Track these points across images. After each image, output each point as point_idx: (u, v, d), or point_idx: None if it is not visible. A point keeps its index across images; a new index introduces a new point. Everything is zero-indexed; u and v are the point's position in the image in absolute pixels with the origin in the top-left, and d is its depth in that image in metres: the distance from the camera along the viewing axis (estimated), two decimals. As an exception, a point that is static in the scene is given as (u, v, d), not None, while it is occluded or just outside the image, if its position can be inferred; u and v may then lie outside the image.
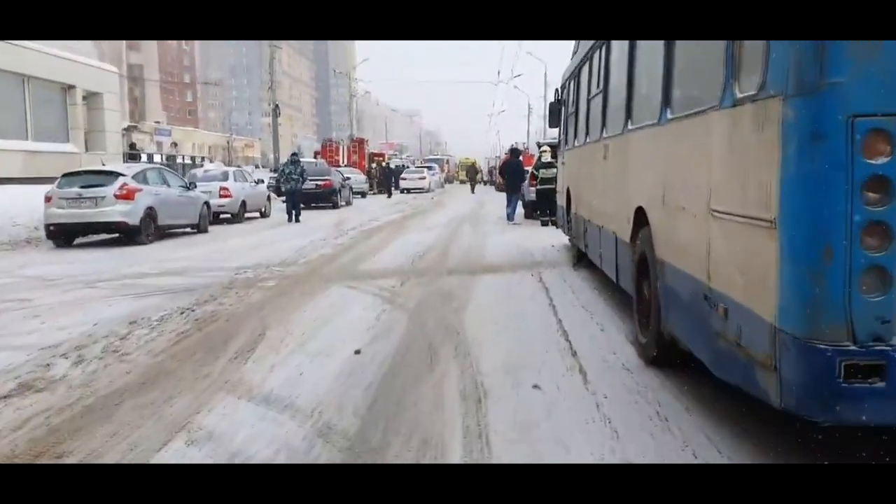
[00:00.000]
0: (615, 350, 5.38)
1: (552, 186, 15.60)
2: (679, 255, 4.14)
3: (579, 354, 5.24)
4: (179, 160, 31.17)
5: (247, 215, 19.01)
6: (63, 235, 12.81)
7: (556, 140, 19.74)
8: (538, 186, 16.28)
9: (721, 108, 3.38)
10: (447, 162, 71.47)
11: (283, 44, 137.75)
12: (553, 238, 12.62)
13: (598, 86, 7.42)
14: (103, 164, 13.24)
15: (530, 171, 18.28)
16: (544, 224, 16.16)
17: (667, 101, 4.47)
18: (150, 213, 13.11)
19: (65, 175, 12.90)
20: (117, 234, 13.09)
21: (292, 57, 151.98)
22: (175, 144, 36.35)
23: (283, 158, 48.94)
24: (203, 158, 37.81)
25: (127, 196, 12.66)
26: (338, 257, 10.78)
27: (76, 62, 19.62)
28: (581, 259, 9.61)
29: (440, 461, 3.35)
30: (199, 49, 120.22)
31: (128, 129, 70.30)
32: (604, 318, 6.46)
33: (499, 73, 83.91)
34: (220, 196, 17.36)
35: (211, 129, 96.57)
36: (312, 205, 24.03)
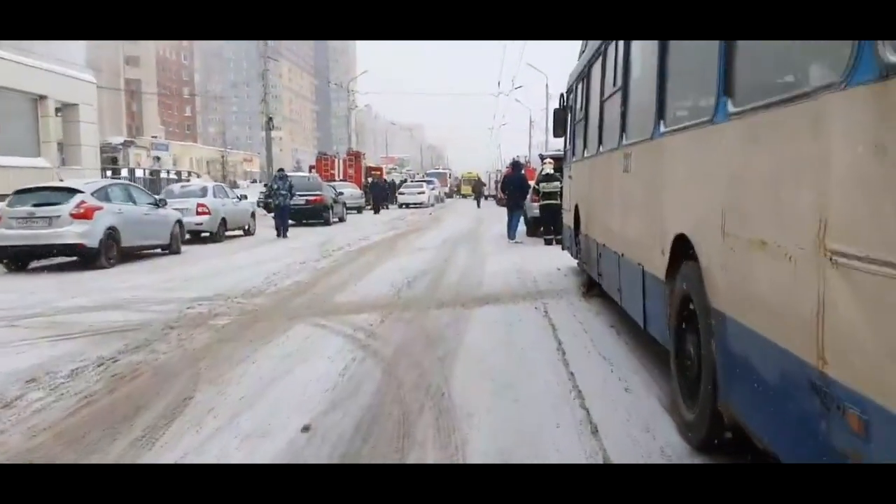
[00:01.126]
0: (648, 424, 4.04)
1: (556, 202, 14.34)
2: (755, 311, 2.82)
3: (601, 431, 3.92)
4: (164, 175, 29.90)
5: (229, 233, 17.70)
6: (14, 259, 11.51)
7: (560, 152, 18.52)
8: (541, 202, 14.96)
9: (850, 86, 2.06)
10: (448, 176, 70.24)
11: (284, 58, 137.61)
12: (558, 259, 11.29)
13: (614, 83, 6.13)
14: (60, 180, 11.95)
15: (532, 185, 16.99)
16: (548, 243, 14.85)
17: (728, 88, 3.15)
18: (112, 234, 11.81)
19: (17, 192, 11.63)
20: (75, 258, 11.78)
21: (293, 71, 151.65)
22: (158, 159, 34.86)
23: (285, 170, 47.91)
24: (189, 173, 36.51)
25: (84, 215, 11.37)
26: (313, 285, 9.45)
27: (48, 71, 18.41)
28: (592, 286, 8.29)
29: None
30: (199, 63, 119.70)
31: (124, 144, 69.32)
32: (627, 371, 5.13)
33: (499, 83, 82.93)
34: (197, 213, 16.05)
35: (211, 144, 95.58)
36: (303, 221, 22.83)
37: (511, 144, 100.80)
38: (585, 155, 8.12)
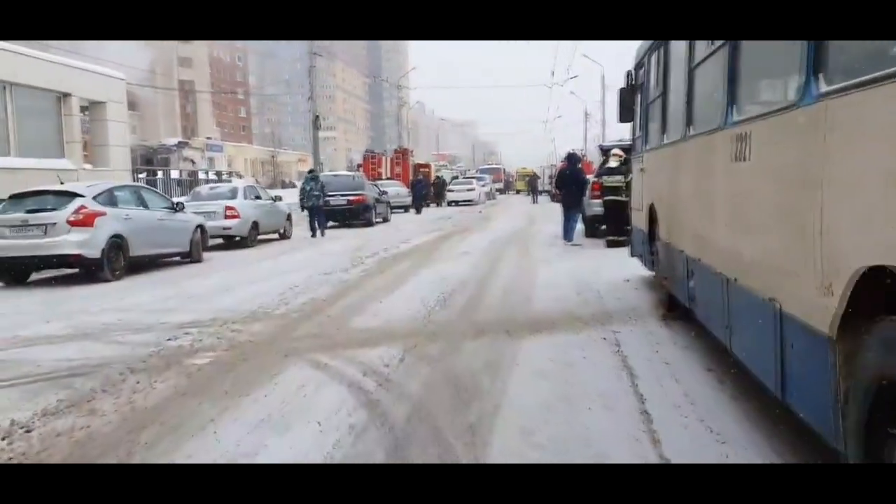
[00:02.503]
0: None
1: (621, 198, 12.52)
2: None
3: None
4: (203, 176, 28.96)
5: (262, 237, 16.43)
6: (7, 272, 10.36)
7: (624, 141, 16.61)
8: (604, 198, 13.13)
9: None
10: (503, 171, 68.33)
11: (337, 58, 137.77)
12: (625, 267, 9.50)
13: (712, 42, 4.39)
14: (61, 183, 10.75)
15: (592, 180, 15.16)
16: (611, 245, 13.02)
17: None
18: (118, 243, 10.55)
19: (11, 197, 10.47)
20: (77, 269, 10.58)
21: (346, 71, 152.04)
22: (193, 162, 34.02)
23: (328, 170, 46.90)
24: (230, 174, 35.61)
25: (84, 222, 10.13)
26: (331, 303, 7.92)
27: (72, 68, 17.43)
28: (674, 306, 6.53)
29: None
30: (254, 64, 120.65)
31: (178, 146, 70.02)
32: (750, 454, 3.41)
33: (552, 73, 79.87)
34: (226, 217, 14.79)
35: (266, 145, 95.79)
36: (346, 222, 21.50)
37: (565, 139, 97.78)
38: (665, 141, 6.35)
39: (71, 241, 9.98)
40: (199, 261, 12.61)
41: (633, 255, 9.10)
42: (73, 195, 10.34)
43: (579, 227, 14.82)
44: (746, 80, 3.81)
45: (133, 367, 5.35)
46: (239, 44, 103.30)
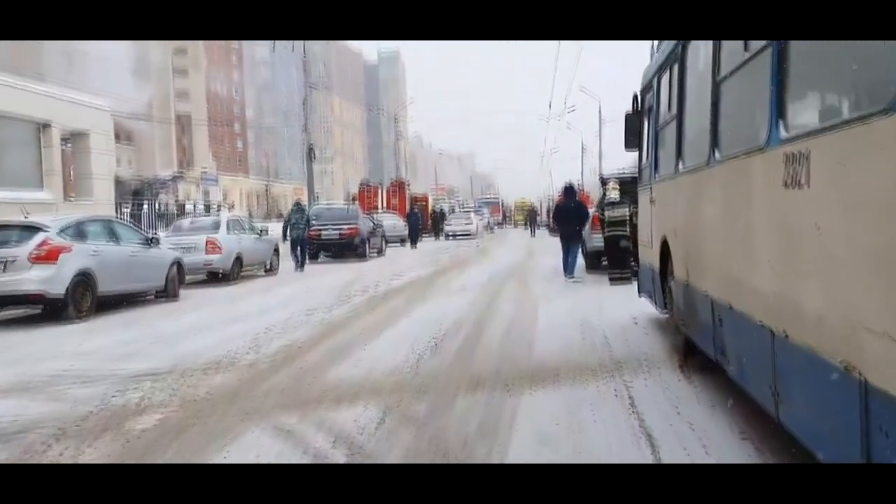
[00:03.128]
0: None
1: (623, 232, 11.83)
2: None
3: None
4: (190, 207, 28.25)
5: (246, 272, 15.65)
6: (-35, 311, 9.58)
7: (623, 172, 15.94)
8: (606, 232, 12.41)
9: None
10: (500, 204, 67.99)
11: (335, 91, 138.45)
12: (632, 305, 8.76)
13: (747, 46, 3.69)
14: (26, 215, 10.02)
15: (592, 212, 14.46)
16: (614, 281, 12.26)
17: None
18: (84, 280, 9.77)
19: (-29, 231, 9.71)
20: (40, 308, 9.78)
21: (344, 104, 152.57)
22: (174, 194, 32.94)
23: (324, 201, 46.33)
24: (219, 206, 34.90)
25: (47, 257, 9.37)
26: (308, 349, 7.13)
27: (53, 97, 16.80)
28: (691, 352, 5.77)
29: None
30: (251, 97, 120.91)
31: (173, 178, 69.55)
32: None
33: (550, 105, 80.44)
34: (207, 251, 14.02)
35: (263, 177, 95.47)
36: (340, 255, 20.71)
37: (563, 171, 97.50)
38: (681, 169, 5.63)
39: (32, 279, 9.20)
40: (175, 298, 11.82)
41: (641, 293, 8.34)
42: (37, 229, 9.58)
43: (580, 261, 14.09)
44: (801, 85, 3.11)
45: (65, 429, 4.55)
46: (236, 76, 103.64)
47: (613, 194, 12.38)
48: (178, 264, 12.10)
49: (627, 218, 11.82)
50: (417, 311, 9.54)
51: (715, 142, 4.44)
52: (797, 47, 3.06)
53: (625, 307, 8.99)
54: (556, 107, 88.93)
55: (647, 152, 7.63)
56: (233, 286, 14.06)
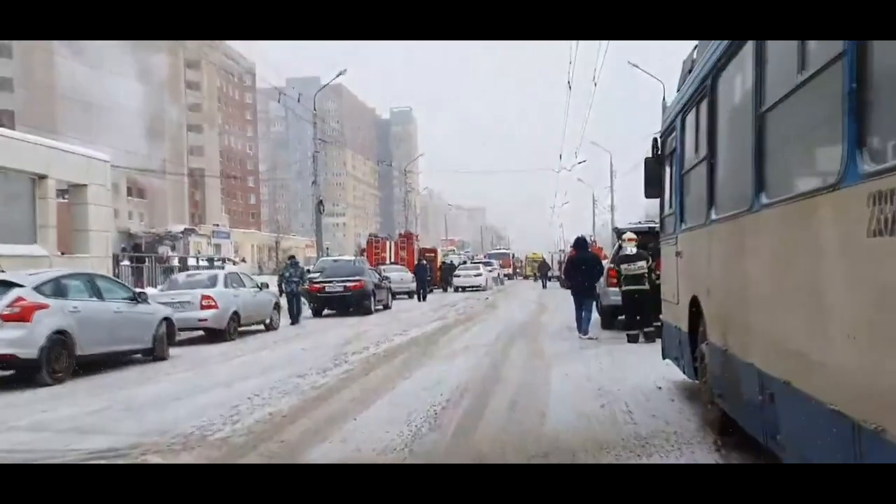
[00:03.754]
0: None
1: (643, 287, 11.07)
2: None
3: None
4: (193, 262, 27.68)
5: (244, 328, 14.92)
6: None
7: (640, 224, 15.23)
8: (624, 287, 11.62)
9: None
10: (511, 257, 67.39)
11: (348, 147, 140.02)
12: (653, 366, 7.96)
13: (804, 68, 3.00)
14: (2, 272, 9.39)
15: (607, 266, 13.70)
16: (632, 339, 11.43)
17: None
18: (61, 340, 9.06)
19: (-58, 288, 9.06)
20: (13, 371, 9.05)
21: (356, 158, 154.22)
22: (172, 248, 32.32)
23: (331, 254, 45.78)
24: (223, 260, 34.38)
25: (21, 316, 8.69)
26: (292, 421, 6.31)
27: (50, 148, 16.41)
28: (728, 426, 4.95)
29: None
30: (265, 151, 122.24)
31: (184, 233, 69.68)
32: None
33: (560, 156, 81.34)
34: (202, 307, 13.32)
35: (276, 230, 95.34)
36: (346, 311, 19.94)
37: (573, 224, 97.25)
38: (714, 217, 4.90)
39: (3, 340, 8.50)
40: (163, 358, 11.07)
41: (666, 357, 7.52)
42: (11, 285, 8.93)
43: (594, 317, 13.27)
44: (891, 101, 2.38)
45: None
46: (250, 132, 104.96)
47: (629, 247, 11.64)
48: (168, 321, 11.38)
49: (645, 272, 11.08)
50: (418, 374, 8.73)
51: (760, 183, 3.72)
52: (883, 51, 2.36)
53: (646, 370, 8.17)
54: (567, 159, 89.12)
55: (671, 200, 6.92)
56: (228, 344, 13.30)
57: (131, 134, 63.79)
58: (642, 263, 11.30)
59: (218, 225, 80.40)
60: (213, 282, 14.10)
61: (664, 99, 35.01)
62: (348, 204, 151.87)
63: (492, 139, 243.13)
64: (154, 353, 11.04)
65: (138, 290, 11.07)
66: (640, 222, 16.46)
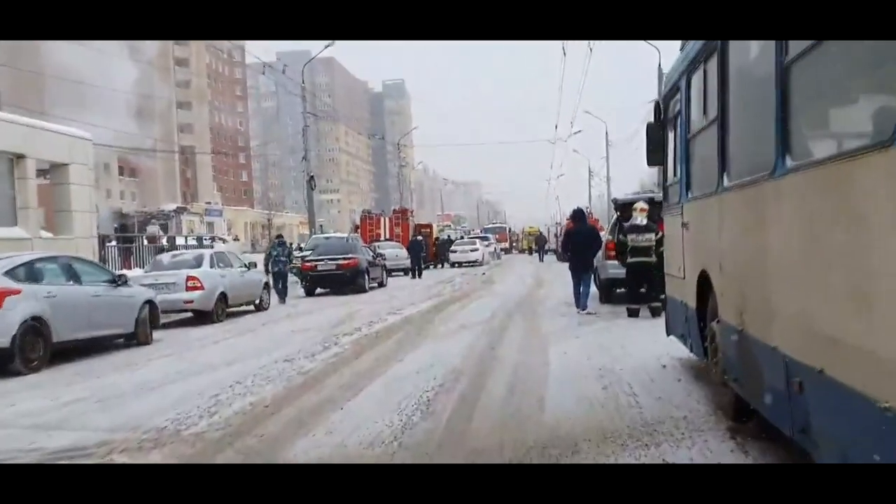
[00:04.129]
0: None
1: (648, 259, 10.69)
2: None
3: None
4: (181, 241, 27.12)
5: (233, 309, 14.52)
6: None
7: (639, 194, 14.78)
8: (630, 259, 11.18)
9: None
10: (508, 230, 66.99)
11: (341, 122, 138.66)
12: (655, 342, 7.63)
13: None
14: (-26, 256, 8.93)
15: (606, 238, 13.30)
16: (633, 314, 11.06)
17: None
18: (35, 327, 8.64)
19: None
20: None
21: (349, 134, 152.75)
22: (165, 227, 31.16)
23: (322, 231, 45.28)
24: (212, 238, 33.83)
25: (-11, 303, 8.25)
26: (274, 411, 5.91)
27: (28, 126, 15.82)
28: (744, 411, 4.58)
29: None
30: (256, 128, 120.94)
31: (176, 211, 68.92)
32: None
33: (556, 127, 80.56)
34: (187, 289, 12.89)
35: (270, 208, 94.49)
36: (339, 290, 19.50)
37: (569, 196, 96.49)
38: (727, 183, 4.46)
39: (-29, 328, 8.07)
40: (146, 343, 10.66)
41: (670, 334, 7.14)
42: (-20, 269, 8.48)
43: (592, 290, 12.88)
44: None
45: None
46: (240, 107, 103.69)
47: (640, 217, 11.15)
48: (151, 305, 10.95)
49: (653, 244, 10.68)
50: (410, 357, 8.33)
51: (784, 144, 3.28)
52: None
53: (649, 347, 7.81)
54: (562, 130, 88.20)
55: (675, 167, 6.47)
56: (215, 326, 12.90)
57: (120, 113, 62.77)
58: (650, 235, 10.88)
59: (210, 203, 79.57)
60: (198, 262, 13.64)
61: (660, 66, 34.46)
62: (342, 180, 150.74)
63: (487, 113, 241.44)
64: (137, 338, 10.62)
65: (119, 272, 10.60)
66: (638, 192, 16.04)
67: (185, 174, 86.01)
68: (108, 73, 59.98)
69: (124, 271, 14.17)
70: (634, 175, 61.81)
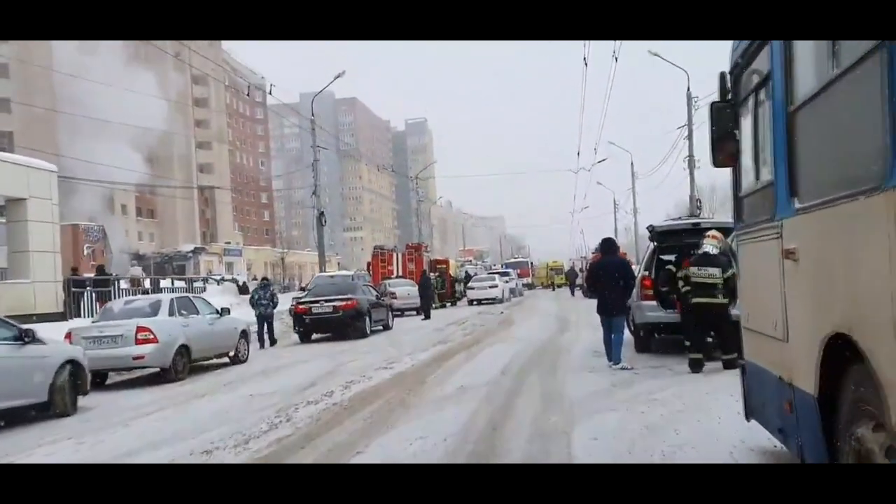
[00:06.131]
0: None
1: (715, 300, 8.43)
2: None
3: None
4: (166, 283, 25.09)
5: (201, 364, 12.33)
6: None
7: (678, 222, 12.44)
8: (693, 299, 8.81)
9: None
10: (530, 265, 64.67)
11: (363, 160, 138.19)
12: (724, 421, 5.27)
13: None
14: None
15: (642, 273, 10.96)
16: (696, 368, 8.70)
17: None
18: None
19: None
20: None
21: (372, 172, 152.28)
22: (142, 273, 28.57)
23: (336, 269, 43.34)
24: (204, 278, 31.79)
25: None
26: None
27: (-23, 158, 14.06)
28: None
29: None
30: (279, 168, 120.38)
31: (194, 252, 67.64)
32: None
33: (578, 154, 79.05)
34: (138, 342, 10.70)
35: (291, 247, 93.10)
36: (339, 334, 17.26)
37: (594, 231, 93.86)
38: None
39: None
40: (65, 414, 8.48)
41: (752, 418, 4.76)
42: None
43: (627, 337, 10.51)
44: None
45: None
46: (262, 147, 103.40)
47: (710, 246, 8.81)
48: (73, 364, 8.77)
49: (720, 282, 8.40)
50: (376, 445, 5.98)
51: None
52: None
53: (715, 429, 5.47)
54: (586, 158, 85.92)
55: (760, 166, 4.17)
56: (172, 387, 10.66)
57: (138, 154, 61.91)
58: (715, 271, 8.53)
59: (229, 243, 78.46)
60: (154, 309, 11.45)
61: (688, 89, 32.25)
62: (365, 217, 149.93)
63: (509, 146, 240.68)
64: (54, 408, 8.44)
65: (25, 327, 8.46)
66: (680, 218, 13.72)
67: (204, 214, 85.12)
68: (127, 112, 58.96)
69: (74, 320, 12.06)
70: (661, 207, 59.32)
